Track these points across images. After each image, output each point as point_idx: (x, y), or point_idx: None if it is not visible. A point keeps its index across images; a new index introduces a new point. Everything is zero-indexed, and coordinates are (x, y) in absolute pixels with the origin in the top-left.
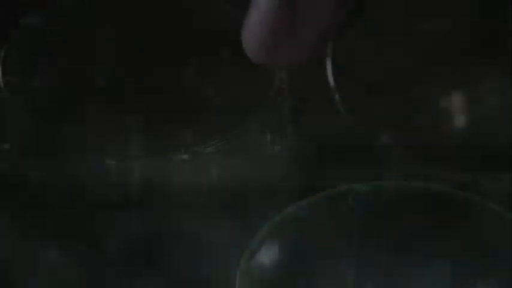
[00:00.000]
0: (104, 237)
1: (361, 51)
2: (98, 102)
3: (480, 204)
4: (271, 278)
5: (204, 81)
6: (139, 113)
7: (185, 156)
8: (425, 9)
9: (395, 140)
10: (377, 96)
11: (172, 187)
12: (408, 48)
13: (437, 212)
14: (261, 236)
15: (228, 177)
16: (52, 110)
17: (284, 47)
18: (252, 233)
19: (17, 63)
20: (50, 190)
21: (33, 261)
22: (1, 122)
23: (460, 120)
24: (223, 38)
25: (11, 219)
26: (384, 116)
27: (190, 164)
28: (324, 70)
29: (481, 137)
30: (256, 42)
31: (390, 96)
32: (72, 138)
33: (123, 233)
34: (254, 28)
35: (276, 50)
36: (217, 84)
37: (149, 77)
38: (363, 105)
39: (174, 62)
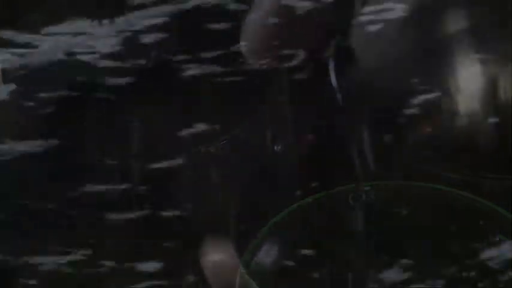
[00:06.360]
0: (104, 237)
1: (363, 51)
2: (98, 102)
3: (480, 204)
4: (272, 277)
5: (204, 81)
6: (139, 114)
7: (185, 156)
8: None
9: (396, 140)
10: (378, 97)
11: (172, 187)
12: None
13: (437, 212)
14: (261, 236)
15: (228, 177)
16: (53, 110)
17: (285, 47)
18: (251, 233)
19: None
20: (50, 190)
21: (34, 261)
22: (1, 122)
23: (460, 120)
24: (224, 37)
25: (11, 219)
26: (384, 116)
27: (190, 163)
28: (325, 70)
29: (481, 137)
30: (258, 42)
31: (390, 96)
32: (74, 139)
33: (123, 233)
34: (256, 28)
35: (277, 50)
36: (217, 84)
37: (149, 78)
38: (364, 105)
39: (175, 62)
